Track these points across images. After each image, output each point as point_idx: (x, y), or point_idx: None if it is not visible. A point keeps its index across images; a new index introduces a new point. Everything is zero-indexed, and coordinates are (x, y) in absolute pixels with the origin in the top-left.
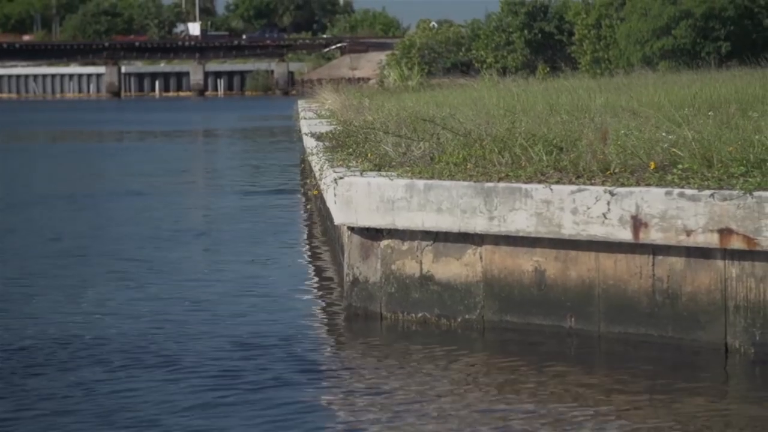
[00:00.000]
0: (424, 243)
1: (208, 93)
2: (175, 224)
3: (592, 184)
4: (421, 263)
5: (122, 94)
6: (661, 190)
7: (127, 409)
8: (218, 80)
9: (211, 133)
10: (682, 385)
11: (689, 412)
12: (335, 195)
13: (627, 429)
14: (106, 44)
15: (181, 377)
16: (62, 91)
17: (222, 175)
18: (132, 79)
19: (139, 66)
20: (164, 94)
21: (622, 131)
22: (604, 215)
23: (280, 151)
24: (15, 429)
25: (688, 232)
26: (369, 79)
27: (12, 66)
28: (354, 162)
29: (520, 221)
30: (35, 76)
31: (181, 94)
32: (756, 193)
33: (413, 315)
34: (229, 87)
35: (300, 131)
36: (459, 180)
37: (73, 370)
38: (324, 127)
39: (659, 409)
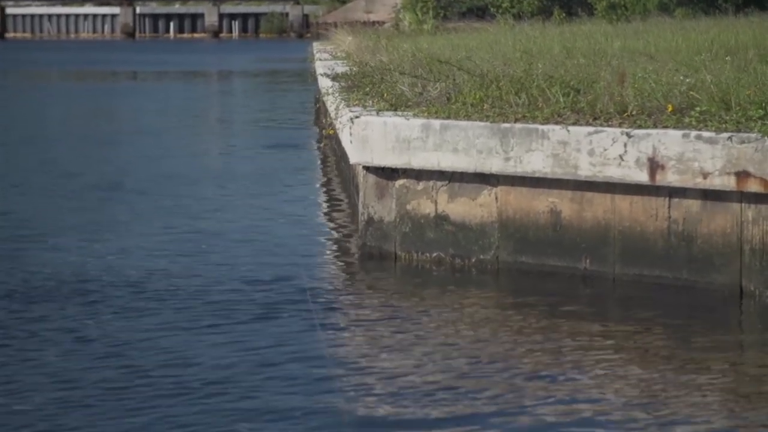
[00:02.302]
0: (439, 183)
1: (223, 35)
2: (189, 165)
3: (609, 126)
4: (436, 203)
5: (137, 35)
6: (679, 132)
7: (137, 341)
8: (233, 22)
9: (225, 74)
10: (696, 327)
11: (703, 353)
12: (351, 134)
13: (640, 370)
14: None
15: (196, 311)
16: (76, 31)
17: (237, 116)
18: (146, 20)
19: (154, 7)
20: (179, 36)
21: (640, 74)
22: (621, 157)
23: (295, 92)
24: (27, 357)
25: (705, 175)
26: (384, 22)
27: (26, 5)
28: (370, 102)
29: (537, 162)
30: (50, 16)
31: (196, 35)
32: None
33: (427, 255)
34: (244, 29)
35: (315, 73)
36: (475, 120)
37: (86, 303)
38: (339, 68)
39: (673, 350)
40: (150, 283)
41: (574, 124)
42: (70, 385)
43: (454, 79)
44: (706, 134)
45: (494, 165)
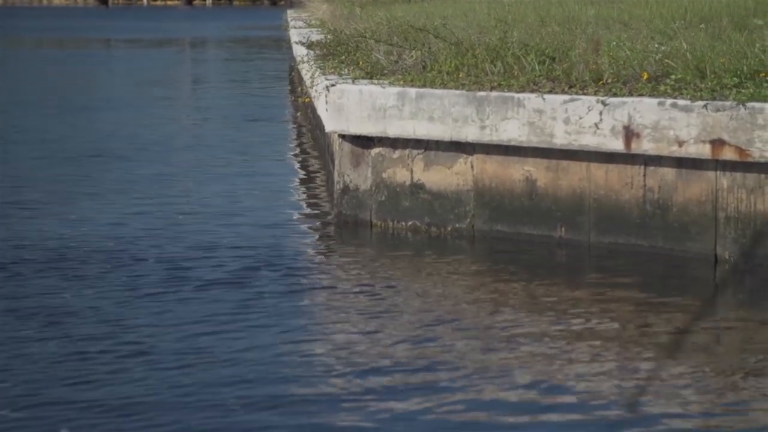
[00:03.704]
0: (415, 151)
1: (196, 2)
2: (163, 133)
3: (584, 94)
4: (411, 171)
5: (110, 1)
6: (654, 101)
7: (86, 308)
8: None
9: (199, 42)
10: (671, 295)
11: (677, 320)
12: (327, 102)
13: (615, 337)
14: None
15: (172, 283)
16: None
17: (210, 84)
18: None
19: None
20: (152, 3)
21: (614, 42)
22: (596, 125)
23: (269, 60)
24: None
25: (680, 143)
26: None
27: None
28: (345, 70)
29: (512, 130)
30: None
31: (169, 2)
32: (749, 104)
33: (403, 223)
34: None
35: (289, 41)
36: (451, 89)
37: (44, 270)
38: (314, 36)
39: (648, 318)
40: (117, 252)
41: (549, 92)
42: (10, 354)
43: (430, 47)
44: (681, 102)
45: (470, 133)
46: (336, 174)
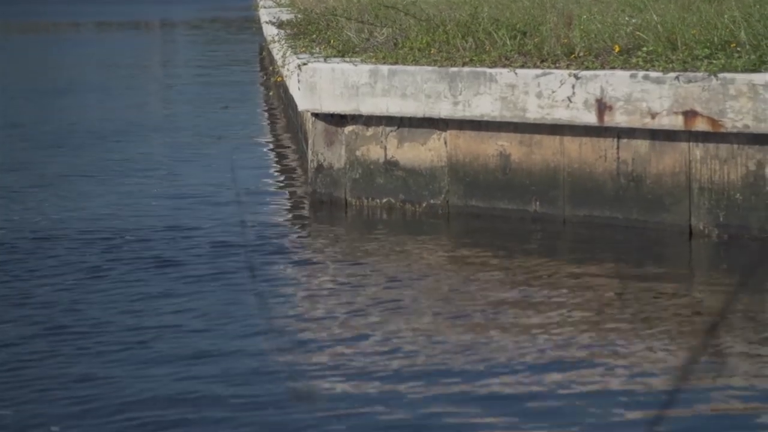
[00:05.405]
0: (388, 128)
1: None
2: (134, 118)
3: (556, 68)
4: (385, 149)
5: None
6: (626, 73)
7: (87, 299)
8: None
9: (168, 24)
10: (646, 267)
11: (653, 291)
12: (299, 81)
13: (592, 311)
14: None
15: (145, 268)
16: None
17: (181, 66)
18: None
19: None
20: None
21: (585, 16)
22: (569, 99)
23: (240, 40)
24: None
25: (653, 115)
26: None
27: None
28: (317, 48)
29: (485, 106)
30: None
31: None
32: (720, 75)
33: (378, 201)
34: None
35: (259, 21)
36: (423, 65)
37: (34, 260)
38: (284, 15)
39: (624, 291)
40: (85, 234)
41: (521, 66)
42: None
43: (401, 24)
44: (653, 74)
45: (443, 109)
46: (310, 153)
